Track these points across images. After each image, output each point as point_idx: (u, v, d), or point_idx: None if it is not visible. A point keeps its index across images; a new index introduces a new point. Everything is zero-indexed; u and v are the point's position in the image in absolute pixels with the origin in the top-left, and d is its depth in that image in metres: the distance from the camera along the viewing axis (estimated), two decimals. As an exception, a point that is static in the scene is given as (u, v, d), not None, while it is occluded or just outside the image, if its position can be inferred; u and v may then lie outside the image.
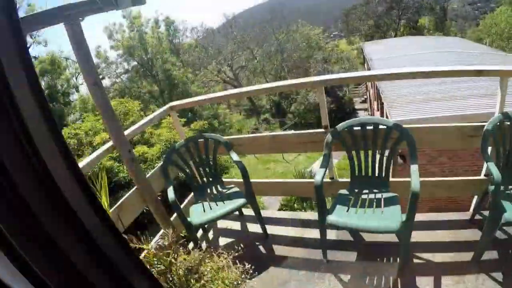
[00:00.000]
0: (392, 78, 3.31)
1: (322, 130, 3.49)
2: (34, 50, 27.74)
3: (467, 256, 2.99)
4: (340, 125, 3.30)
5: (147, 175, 3.56)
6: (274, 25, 44.48)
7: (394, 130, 3.11)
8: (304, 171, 18.96)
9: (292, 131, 3.72)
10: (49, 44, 28.84)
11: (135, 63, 34.63)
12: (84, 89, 35.21)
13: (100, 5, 2.73)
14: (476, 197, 3.58)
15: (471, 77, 11.47)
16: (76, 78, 35.21)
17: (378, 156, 3.24)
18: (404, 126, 3.09)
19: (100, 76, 32.90)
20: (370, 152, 3.28)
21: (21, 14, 26.47)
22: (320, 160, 3.25)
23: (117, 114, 11.59)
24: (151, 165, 10.14)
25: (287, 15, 48.59)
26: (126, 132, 3.32)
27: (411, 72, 3.24)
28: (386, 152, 3.19)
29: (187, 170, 3.84)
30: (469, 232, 3.31)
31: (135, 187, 3.42)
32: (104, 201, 2.95)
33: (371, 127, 3.20)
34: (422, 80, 14.38)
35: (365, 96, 35.16)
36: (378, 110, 21.72)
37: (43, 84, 20.26)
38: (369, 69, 24.05)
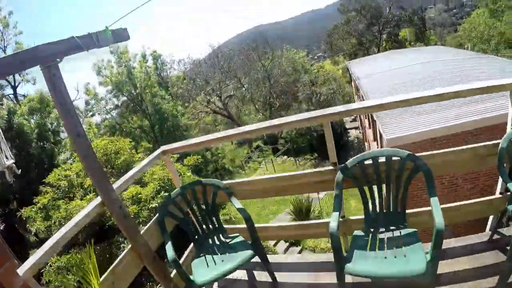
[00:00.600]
0: (405, 105, 3.07)
1: (331, 167, 3.21)
2: (23, 89, 27.86)
3: (492, 281, 2.76)
4: (350, 161, 3.04)
5: (142, 231, 3.23)
6: (259, 52, 44.82)
7: (409, 161, 2.87)
8: (301, 199, 18.70)
9: (300, 172, 3.40)
10: (38, 82, 28.99)
11: (125, 98, 34.46)
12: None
13: (81, 44, 2.56)
14: (492, 216, 3.42)
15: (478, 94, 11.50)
16: None
17: (392, 189, 2.99)
18: (418, 155, 2.86)
19: (90, 113, 33.43)
20: (383, 186, 3.02)
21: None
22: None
23: (107, 154, 11.47)
24: (145, 206, 9.76)
25: (270, 42, 49.20)
26: (115, 185, 3.02)
27: (422, 96, 3.00)
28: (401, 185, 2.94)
29: (186, 220, 3.51)
30: (490, 255, 3.08)
31: (129, 246, 3.08)
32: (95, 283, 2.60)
33: (384, 160, 2.95)
34: (411, 91, 14.46)
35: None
36: (370, 127, 21.66)
37: (32, 123, 20.03)
38: (357, 87, 24.26)
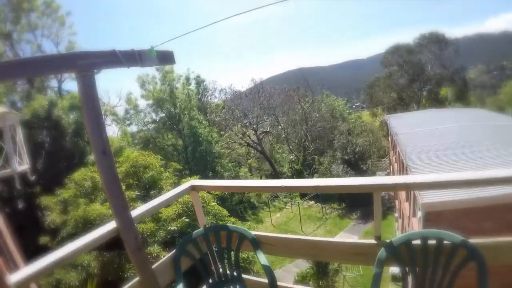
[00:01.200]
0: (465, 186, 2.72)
1: (373, 241, 2.84)
2: (68, 85, 28.87)
3: None
4: (397, 239, 2.68)
5: (154, 266, 2.94)
6: (300, 94, 45.11)
7: (462, 248, 2.49)
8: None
9: (338, 239, 3.06)
10: None
11: (163, 115, 35.32)
12: (110, 130, 36.20)
13: (121, 60, 2.40)
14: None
15: None
16: (104, 118, 35.87)
17: (438, 276, 2.61)
18: (472, 241, 2.48)
19: (128, 122, 33.98)
20: (429, 270, 2.65)
21: (61, 49, 27.96)
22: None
23: (136, 166, 11.39)
24: (164, 227, 9.50)
25: (312, 85, 49.46)
26: (134, 213, 2.77)
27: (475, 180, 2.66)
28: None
29: (203, 263, 3.20)
30: None
31: (135, 279, 2.79)
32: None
33: (433, 242, 2.59)
34: (458, 158, 13.96)
35: (388, 171, 34.27)
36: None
37: (71, 118, 20.59)
38: (394, 143, 23.72)
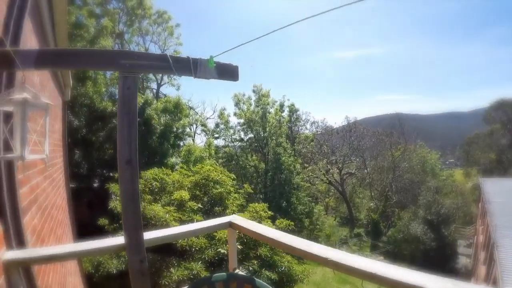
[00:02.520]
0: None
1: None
2: (166, 89, 31.01)
3: None
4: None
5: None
6: (392, 141, 43.52)
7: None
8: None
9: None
10: (180, 90, 33.50)
11: (252, 135, 35.93)
12: (198, 139, 37.67)
13: (171, 66, 2.22)
14: None
15: None
16: (194, 127, 37.91)
17: None
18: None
19: (216, 135, 35.07)
20: None
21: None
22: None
23: (208, 179, 11.39)
24: (216, 246, 9.08)
25: (407, 132, 47.56)
26: (149, 236, 2.54)
27: None
28: None
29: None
30: None
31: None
32: None
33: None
34: None
35: (471, 240, 31.33)
36: (484, 264, 18.98)
37: (162, 120, 21.83)
38: (484, 211, 21.83)
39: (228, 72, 2.55)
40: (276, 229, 9.55)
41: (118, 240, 2.47)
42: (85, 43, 18.60)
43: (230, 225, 3.27)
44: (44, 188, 3.93)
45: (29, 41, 3.05)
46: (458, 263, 29.66)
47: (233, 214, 3.44)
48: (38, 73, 3.57)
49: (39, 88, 3.60)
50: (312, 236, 33.49)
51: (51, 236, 4.03)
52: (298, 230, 31.05)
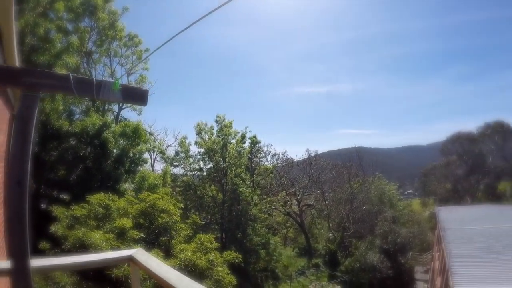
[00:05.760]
0: None
1: None
2: (128, 113, 30.39)
3: None
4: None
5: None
6: (351, 174, 44.33)
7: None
8: None
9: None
10: (142, 115, 32.11)
11: (211, 165, 35.51)
12: (158, 166, 37.17)
13: (72, 87, 2.18)
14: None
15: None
16: (154, 154, 38.01)
17: None
18: None
19: (175, 163, 34.77)
20: None
21: (132, 80, 29.71)
22: None
23: (154, 208, 11.18)
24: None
25: (366, 165, 48.75)
26: (37, 262, 2.46)
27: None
28: None
29: None
30: None
31: None
32: None
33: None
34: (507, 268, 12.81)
35: (428, 267, 31.97)
36: None
37: (120, 143, 21.42)
38: (439, 239, 22.52)
39: (135, 96, 2.55)
40: (223, 261, 9.48)
41: (2, 264, 2.37)
42: (49, 57, 18.19)
43: (131, 259, 2.91)
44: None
45: None
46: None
47: (138, 248, 3.09)
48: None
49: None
50: (269, 267, 33.33)
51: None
52: (254, 261, 30.86)
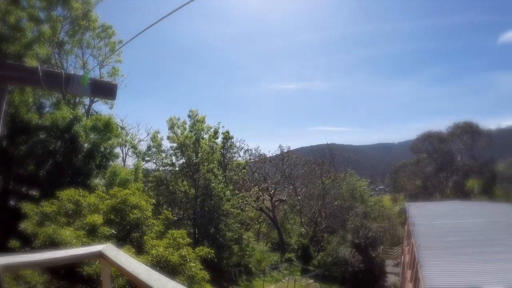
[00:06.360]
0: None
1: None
2: (99, 107, 29.44)
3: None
4: None
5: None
6: (323, 170, 44.80)
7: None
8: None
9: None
10: (114, 109, 31.27)
11: (183, 160, 35.29)
12: (129, 161, 36.62)
13: (40, 80, 2.11)
14: None
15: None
16: (126, 149, 37.55)
17: None
18: None
19: (147, 158, 34.33)
20: None
21: (104, 72, 28.77)
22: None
23: (125, 203, 10.98)
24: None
25: (338, 162, 49.45)
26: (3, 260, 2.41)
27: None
28: None
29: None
30: None
31: None
32: None
33: None
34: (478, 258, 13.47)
35: (399, 260, 32.73)
36: (411, 282, 19.88)
37: (91, 138, 20.79)
38: (409, 233, 23.14)
39: (104, 90, 2.51)
40: (196, 256, 9.39)
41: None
42: (19, 47, 17.51)
43: (101, 255, 2.83)
44: None
45: None
46: (387, 282, 30.82)
47: (108, 243, 2.99)
48: None
49: None
50: (243, 262, 33.44)
51: None
52: (227, 257, 30.88)
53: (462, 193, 49.83)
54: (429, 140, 54.74)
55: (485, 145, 52.52)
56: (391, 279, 31.49)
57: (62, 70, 2.13)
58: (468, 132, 52.99)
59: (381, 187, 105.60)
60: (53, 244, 8.60)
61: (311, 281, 32.40)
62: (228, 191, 34.79)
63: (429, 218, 23.40)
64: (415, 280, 17.18)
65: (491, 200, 41.07)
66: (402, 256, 29.21)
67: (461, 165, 53.10)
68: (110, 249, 2.82)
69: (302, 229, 43.20)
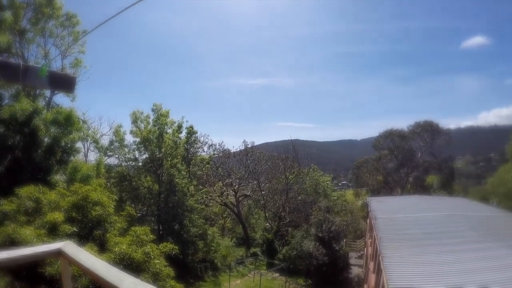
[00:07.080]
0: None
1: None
2: (60, 99, 28.14)
3: None
4: None
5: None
6: (287, 165, 45.10)
7: None
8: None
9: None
10: (76, 102, 30.58)
11: (146, 156, 34.73)
12: (91, 156, 35.58)
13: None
14: None
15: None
16: (87, 144, 36.61)
17: None
18: None
19: (109, 153, 33.58)
20: None
21: (67, 63, 27.54)
22: None
23: (86, 200, 10.68)
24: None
25: (301, 157, 49.97)
26: None
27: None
28: None
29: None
30: None
31: None
32: None
33: None
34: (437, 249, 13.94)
35: (362, 253, 33.56)
36: (374, 273, 20.33)
37: (51, 132, 19.88)
38: (371, 227, 23.58)
39: (63, 83, 2.41)
40: (160, 253, 9.28)
41: None
42: None
43: (60, 253, 2.66)
44: None
45: None
46: (351, 273, 31.53)
47: (67, 241, 2.79)
48: None
49: None
50: (208, 257, 33.35)
51: None
52: (192, 253, 30.69)
53: (422, 188, 51.97)
54: (391, 138, 56.54)
55: (444, 143, 54.90)
56: (355, 270, 32.29)
57: (20, 61, 2.02)
58: (428, 130, 55.23)
59: (344, 182, 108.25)
60: (13, 244, 8.32)
61: (277, 274, 32.74)
62: (192, 186, 34.54)
63: (390, 211, 24.11)
64: (378, 271, 17.59)
65: (449, 195, 42.82)
66: (365, 249, 29.90)
67: (421, 161, 55.33)
68: (69, 247, 2.64)
69: (267, 224, 43.48)
